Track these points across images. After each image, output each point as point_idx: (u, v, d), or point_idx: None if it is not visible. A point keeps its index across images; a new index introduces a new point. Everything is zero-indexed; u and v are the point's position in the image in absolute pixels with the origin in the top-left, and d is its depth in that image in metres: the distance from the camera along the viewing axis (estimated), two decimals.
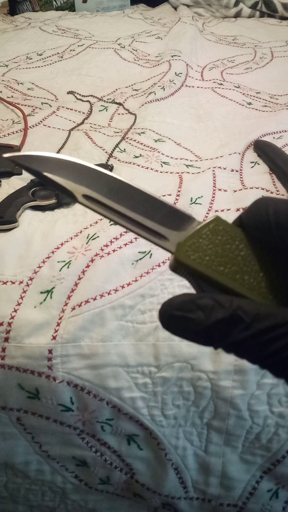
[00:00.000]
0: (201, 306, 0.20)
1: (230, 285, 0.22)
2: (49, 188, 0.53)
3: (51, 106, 0.78)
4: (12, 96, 0.81)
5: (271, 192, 0.53)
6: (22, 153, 0.24)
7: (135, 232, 0.24)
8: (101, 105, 0.79)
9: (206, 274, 0.22)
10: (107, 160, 0.61)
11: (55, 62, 0.99)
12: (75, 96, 0.82)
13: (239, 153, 0.61)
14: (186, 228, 0.23)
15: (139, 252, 0.44)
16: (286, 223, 0.21)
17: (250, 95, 0.82)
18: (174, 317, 0.20)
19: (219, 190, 0.54)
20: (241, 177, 0.57)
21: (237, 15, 1.35)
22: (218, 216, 0.23)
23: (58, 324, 0.40)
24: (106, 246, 0.45)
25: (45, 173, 0.24)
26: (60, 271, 0.43)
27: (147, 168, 0.60)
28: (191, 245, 0.23)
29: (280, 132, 0.67)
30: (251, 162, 0.61)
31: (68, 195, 0.24)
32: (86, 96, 0.82)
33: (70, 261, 0.44)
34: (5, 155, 0.24)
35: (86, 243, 0.45)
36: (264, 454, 0.42)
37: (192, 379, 0.39)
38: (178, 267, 0.23)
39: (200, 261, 0.22)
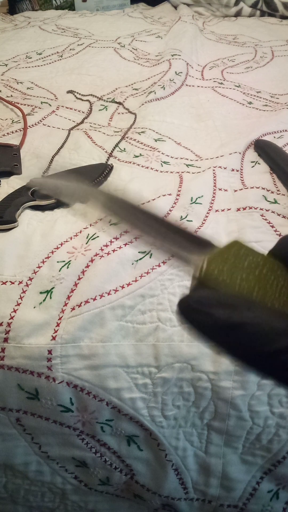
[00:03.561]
0: None
1: None
2: None
3: (50, 105, 0.77)
4: (11, 96, 0.81)
5: (272, 192, 0.53)
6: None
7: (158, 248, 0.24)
8: (101, 105, 0.78)
9: None
10: (107, 159, 0.61)
11: (55, 61, 0.98)
12: (75, 96, 0.82)
13: (240, 153, 0.61)
14: (206, 253, 0.23)
15: (139, 252, 0.44)
16: None
17: (251, 94, 0.82)
18: None
19: (220, 189, 0.53)
20: (241, 177, 0.57)
21: (238, 14, 1.35)
22: (238, 240, 0.23)
23: (58, 325, 0.39)
24: (106, 246, 0.44)
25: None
26: (59, 271, 0.42)
27: (147, 167, 0.60)
28: (214, 268, 0.21)
29: (280, 131, 0.67)
30: (252, 162, 0.61)
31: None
32: (86, 96, 0.82)
33: (70, 261, 0.43)
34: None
35: (86, 243, 0.45)
36: (264, 455, 0.42)
37: (192, 380, 0.39)
38: None
39: (225, 285, 0.21)
